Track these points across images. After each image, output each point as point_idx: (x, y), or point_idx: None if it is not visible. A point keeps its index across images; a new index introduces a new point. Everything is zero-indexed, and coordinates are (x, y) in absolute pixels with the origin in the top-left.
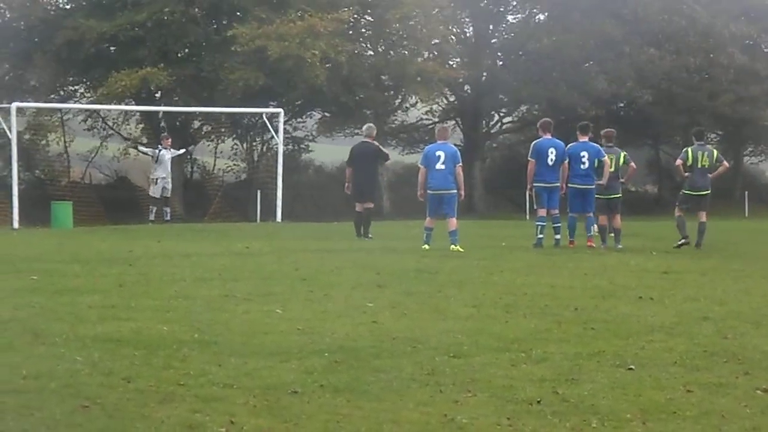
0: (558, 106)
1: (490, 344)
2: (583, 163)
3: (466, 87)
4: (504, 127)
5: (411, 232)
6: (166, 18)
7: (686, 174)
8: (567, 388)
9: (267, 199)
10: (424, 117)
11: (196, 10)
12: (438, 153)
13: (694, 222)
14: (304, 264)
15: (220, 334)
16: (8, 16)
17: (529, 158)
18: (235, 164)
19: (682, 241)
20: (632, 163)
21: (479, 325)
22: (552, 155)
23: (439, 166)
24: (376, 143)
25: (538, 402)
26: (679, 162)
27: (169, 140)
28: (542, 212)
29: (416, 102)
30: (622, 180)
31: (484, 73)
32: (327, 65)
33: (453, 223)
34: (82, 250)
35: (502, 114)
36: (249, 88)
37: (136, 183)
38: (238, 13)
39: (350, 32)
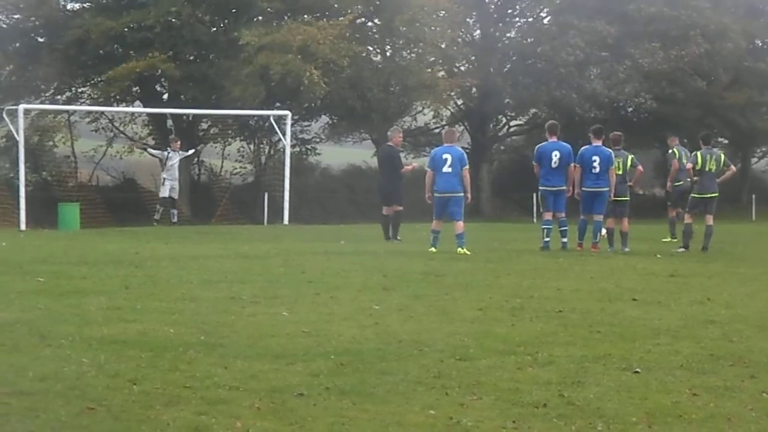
0: (562, 110)
1: (496, 347)
2: (595, 168)
3: (474, 90)
4: (511, 130)
5: (418, 235)
6: (173, 20)
7: (695, 178)
8: (573, 391)
9: (274, 201)
10: (432, 121)
11: (203, 9)
12: (445, 156)
13: (701, 225)
14: (310, 267)
15: (226, 336)
16: (16, 16)
17: (533, 162)
18: (242, 166)
19: (682, 249)
20: (639, 167)
21: (485, 327)
22: (555, 158)
23: (446, 169)
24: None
25: (544, 405)
26: (689, 165)
27: (178, 143)
28: (548, 215)
29: (423, 108)
30: (629, 183)
31: (491, 76)
32: (330, 67)
33: (460, 226)
34: (88, 251)
35: (509, 117)
36: (253, 102)
37: (143, 185)
38: (235, 10)
39: (357, 35)
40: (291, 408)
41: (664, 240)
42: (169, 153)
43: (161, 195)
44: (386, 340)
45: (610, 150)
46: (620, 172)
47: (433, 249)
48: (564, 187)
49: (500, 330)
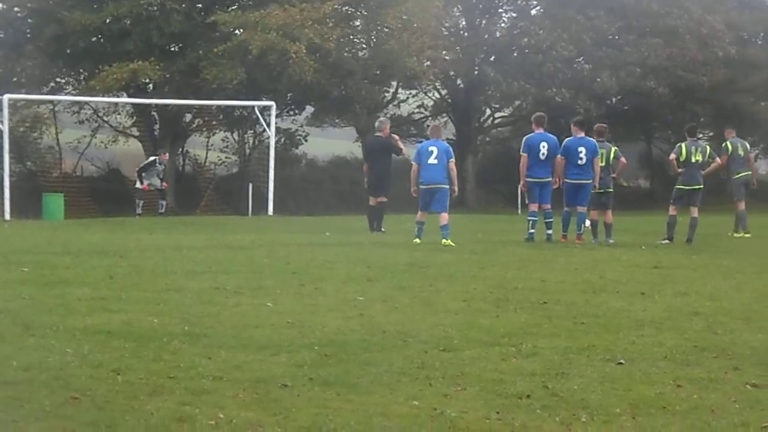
0: (548, 102)
1: (481, 338)
2: (581, 159)
3: (459, 81)
4: (497, 121)
5: (403, 226)
6: (146, 10)
7: (680, 170)
8: (557, 383)
9: (259, 192)
10: (416, 111)
11: None
12: (431, 148)
13: (686, 217)
14: (295, 258)
15: (210, 326)
16: (2, 6)
17: (521, 153)
18: (227, 157)
19: (666, 240)
20: (623, 158)
21: (470, 319)
22: (543, 149)
23: (432, 160)
24: (395, 137)
25: (528, 396)
26: (672, 157)
27: (167, 155)
28: (533, 207)
29: (407, 98)
30: (613, 175)
31: (476, 68)
32: (315, 54)
33: (444, 217)
34: (72, 242)
35: (494, 108)
36: (229, 84)
37: (127, 175)
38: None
39: (341, 25)
40: (275, 398)
41: (735, 235)
42: (159, 164)
43: (138, 186)
44: (370, 331)
45: (595, 141)
46: (604, 164)
47: (417, 240)
48: (549, 179)
49: (484, 321)
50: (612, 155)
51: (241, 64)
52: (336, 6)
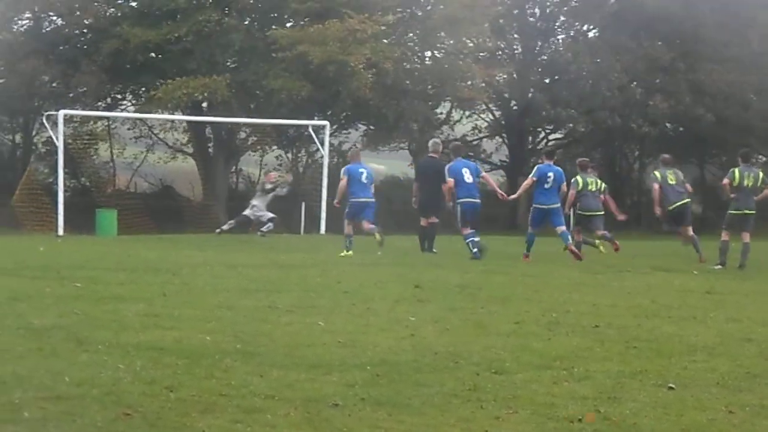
0: (601, 125)
1: (532, 361)
2: (548, 183)
3: (513, 103)
4: (550, 143)
5: (453, 246)
6: (206, 29)
7: (732, 195)
8: (609, 407)
9: (311, 211)
10: (471, 132)
11: (234, 14)
12: (360, 170)
13: (738, 242)
14: (347, 277)
15: (262, 345)
16: (59, 23)
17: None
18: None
19: (718, 266)
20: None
21: (522, 341)
22: (550, 179)
23: (363, 180)
24: (442, 161)
25: (580, 420)
26: (725, 181)
27: (272, 175)
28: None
29: (461, 117)
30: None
31: (531, 90)
32: (372, 71)
33: (366, 225)
34: (126, 258)
35: (548, 131)
36: (293, 100)
37: (180, 192)
38: (275, 14)
39: (393, 36)
40: (326, 418)
41: None
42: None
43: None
44: (422, 351)
45: (561, 169)
46: (593, 189)
47: (475, 251)
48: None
49: (536, 344)
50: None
51: (303, 76)
52: (394, 18)
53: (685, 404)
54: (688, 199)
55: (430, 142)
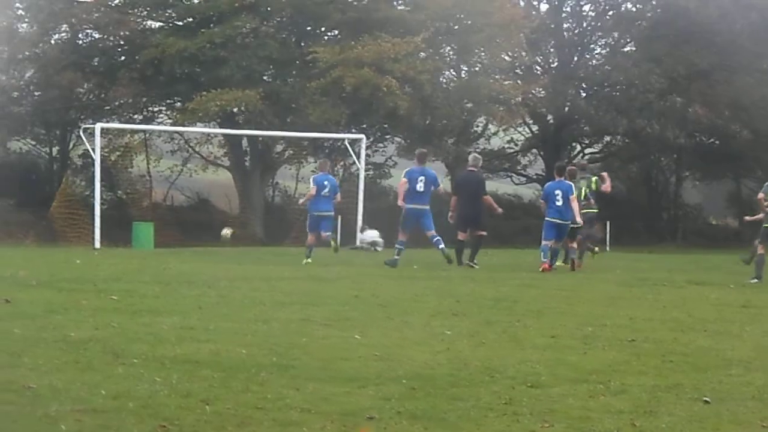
0: (639, 134)
1: (568, 375)
2: (558, 200)
3: (549, 117)
4: (586, 157)
5: (490, 260)
6: (242, 37)
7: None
8: (645, 421)
9: (347, 224)
10: (506, 146)
11: (273, 24)
12: (325, 182)
13: None
14: (382, 290)
15: (298, 358)
16: (95, 36)
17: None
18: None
19: (755, 279)
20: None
21: (557, 355)
22: (558, 195)
23: (325, 193)
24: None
25: None
26: (761, 196)
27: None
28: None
29: (497, 131)
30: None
31: (568, 103)
32: (407, 87)
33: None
34: (162, 271)
35: (584, 144)
36: (333, 125)
37: (216, 205)
38: (311, 27)
39: (430, 49)
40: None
41: None
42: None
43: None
44: (458, 365)
45: (570, 184)
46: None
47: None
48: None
49: (572, 358)
50: (583, 193)
51: (340, 101)
52: (426, 34)
53: (721, 418)
54: None
55: (470, 157)
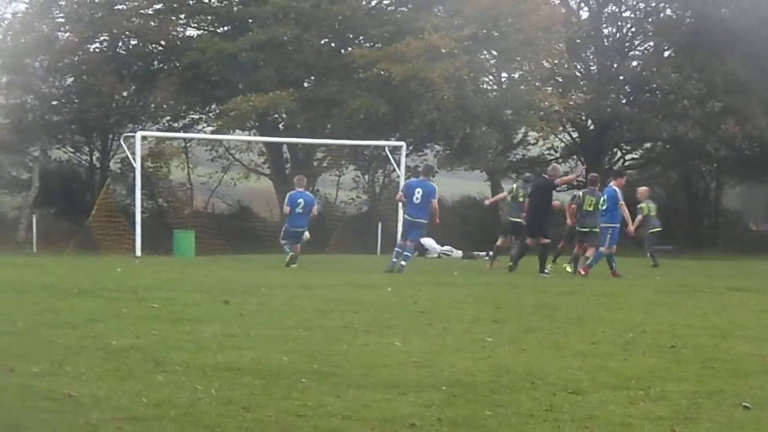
0: (680, 140)
1: (609, 381)
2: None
3: (589, 123)
4: (627, 163)
5: (532, 267)
6: (285, 41)
7: None
8: (685, 427)
9: (388, 231)
10: (546, 152)
11: (313, 32)
12: (299, 200)
13: None
14: (422, 297)
15: (339, 365)
16: (133, 43)
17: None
18: (357, 196)
19: None
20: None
21: (598, 361)
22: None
23: (299, 210)
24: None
25: None
26: None
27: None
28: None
29: (537, 141)
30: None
31: (609, 109)
32: (452, 86)
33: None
34: (203, 279)
35: (625, 150)
36: (370, 118)
37: (257, 213)
38: (351, 35)
39: (472, 46)
40: None
41: None
42: None
43: None
44: (498, 372)
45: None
46: (591, 209)
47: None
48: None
49: (612, 364)
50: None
51: (381, 95)
52: (472, 31)
53: (762, 424)
54: None
55: (550, 167)
